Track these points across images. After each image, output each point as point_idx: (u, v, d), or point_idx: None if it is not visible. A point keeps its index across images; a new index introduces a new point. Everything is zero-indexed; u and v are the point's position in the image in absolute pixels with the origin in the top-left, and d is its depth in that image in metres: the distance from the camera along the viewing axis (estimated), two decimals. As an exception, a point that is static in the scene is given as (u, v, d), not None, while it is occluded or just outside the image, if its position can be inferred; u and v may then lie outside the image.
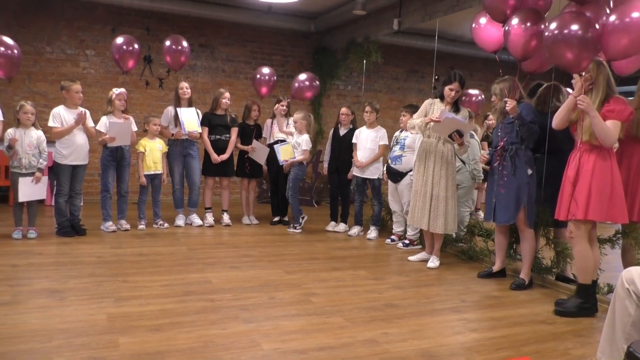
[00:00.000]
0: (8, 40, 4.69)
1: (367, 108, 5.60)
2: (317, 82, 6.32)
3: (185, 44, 5.64)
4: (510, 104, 3.83)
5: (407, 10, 6.23)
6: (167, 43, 5.62)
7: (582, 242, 3.32)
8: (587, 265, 3.36)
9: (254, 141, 5.87)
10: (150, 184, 5.46)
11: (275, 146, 5.76)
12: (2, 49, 4.61)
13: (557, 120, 3.49)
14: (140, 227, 5.41)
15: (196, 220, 5.80)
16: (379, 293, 3.70)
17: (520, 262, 4.22)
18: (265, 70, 6.22)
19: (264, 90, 6.16)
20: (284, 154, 5.69)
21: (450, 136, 4.28)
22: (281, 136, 5.99)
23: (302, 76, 6.22)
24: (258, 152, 5.89)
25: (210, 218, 5.85)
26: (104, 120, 5.08)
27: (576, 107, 3.31)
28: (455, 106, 4.43)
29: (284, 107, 6.04)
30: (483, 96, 6.50)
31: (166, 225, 5.59)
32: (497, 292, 3.90)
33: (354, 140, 5.69)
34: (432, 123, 4.32)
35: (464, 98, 5.93)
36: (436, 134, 4.40)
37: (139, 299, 3.31)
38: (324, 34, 8.26)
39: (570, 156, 3.44)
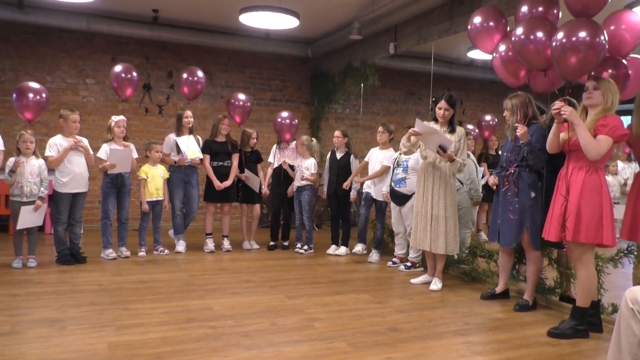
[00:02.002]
0: (35, 85, 4.89)
1: (380, 128, 5.66)
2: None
3: (200, 74, 5.80)
4: (520, 130, 3.73)
5: (403, 34, 6.33)
6: (184, 75, 5.78)
7: (588, 265, 3.29)
8: (592, 289, 3.32)
9: (246, 170, 5.88)
10: (152, 210, 5.46)
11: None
12: (31, 95, 4.80)
13: (549, 145, 3.52)
14: (141, 254, 5.39)
15: (179, 247, 5.73)
16: (382, 317, 3.67)
17: (523, 282, 4.18)
18: (241, 96, 6.07)
19: (237, 119, 6.03)
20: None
21: (438, 153, 4.28)
22: (288, 161, 6.02)
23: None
24: (251, 180, 5.91)
25: (210, 244, 5.83)
26: (105, 147, 5.11)
27: (567, 124, 3.31)
28: (451, 125, 4.45)
29: None
30: (496, 120, 6.54)
31: (166, 251, 5.57)
32: (501, 313, 3.87)
33: (366, 159, 5.75)
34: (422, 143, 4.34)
35: (483, 124, 6.00)
36: (433, 155, 4.41)
37: (139, 327, 3.28)
38: (321, 59, 8.36)
39: (559, 173, 3.42)
